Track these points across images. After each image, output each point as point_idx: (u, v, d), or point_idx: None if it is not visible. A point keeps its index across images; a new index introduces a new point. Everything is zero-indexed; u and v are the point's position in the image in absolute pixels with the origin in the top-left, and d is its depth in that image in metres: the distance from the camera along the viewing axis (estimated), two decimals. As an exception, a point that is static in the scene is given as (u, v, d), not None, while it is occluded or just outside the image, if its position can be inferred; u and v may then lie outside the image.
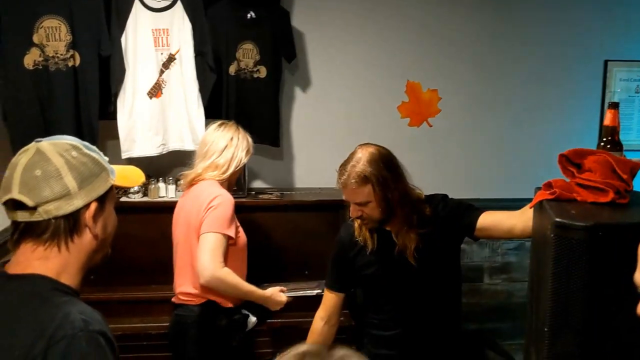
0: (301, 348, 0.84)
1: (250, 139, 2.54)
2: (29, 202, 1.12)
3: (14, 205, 1.14)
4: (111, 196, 1.25)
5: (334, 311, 2.21)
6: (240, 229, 2.45)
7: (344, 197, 2.06)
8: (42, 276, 1.15)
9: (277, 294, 2.46)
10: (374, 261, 2.09)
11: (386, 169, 1.99)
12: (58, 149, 1.16)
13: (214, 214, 2.28)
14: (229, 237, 2.30)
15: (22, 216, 1.14)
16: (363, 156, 1.99)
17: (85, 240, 1.19)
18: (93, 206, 1.18)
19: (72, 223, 1.16)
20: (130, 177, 1.34)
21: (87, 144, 1.23)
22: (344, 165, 2.01)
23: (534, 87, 3.51)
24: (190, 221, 2.36)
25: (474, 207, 2.09)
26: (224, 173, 2.43)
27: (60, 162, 1.14)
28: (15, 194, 1.12)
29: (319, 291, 2.48)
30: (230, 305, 2.40)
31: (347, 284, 2.23)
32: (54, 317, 1.07)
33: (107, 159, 1.25)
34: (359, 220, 2.08)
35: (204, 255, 2.22)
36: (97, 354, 1.06)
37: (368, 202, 1.99)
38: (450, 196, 2.14)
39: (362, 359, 0.83)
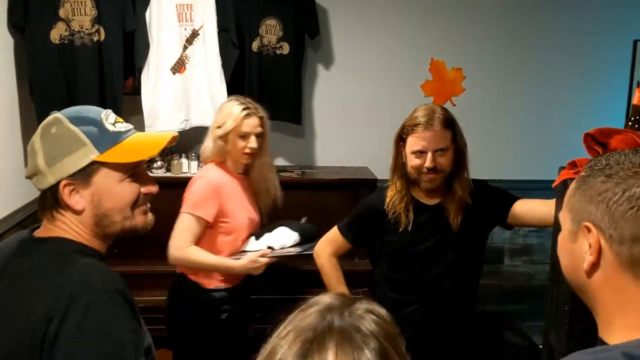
0: (324, 300, 0.82)
1: (236, 108, 2.31)
2: (25, 174, 1.22)
3: None
4: (103, 172, 1.18)
5: (341, 251, 2.27)
6: (236, 211, 2.36)
7: (417, 148, 1.99)
8: (66, 239, 1.19)
9: (253, 260, 2.30)
10: (401, 229, 2.08)
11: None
12: (44, 124, 1.21)
13: (187, 195, 2.30)
14: (200, 219, 2.26)
15: None
16: (435, 106, 2.04)
17: (75, 214, 1.19)
18: (62, 184, 1.17)
19: (54, 197, 1.19)
20: (136, 151, 1.22)
21: (83, 115, 1.20)
22: (416, 114, 2.01)
23: (560, 67, 3.44)
24: None
25: (510, 195, 2.08)
26: (208, 155, 2.37)
27: (37, 139, 1.19)
28: None
29: (306, 252, 2.43)
30: (201, 280, 2.34)
31: (361, 241, 2.29)
32: (75, 276, 1.10)
33: (117, 129, 1.20)
34: (392, 189, 2.08)
35: (172, 235, 2.26)
36: (116, 312, 1.09)
37: (446, 150, 1.99)
38: (473, 177, 2.12)
39: (383, 310, 0.83)
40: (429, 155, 1.97)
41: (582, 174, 0.92)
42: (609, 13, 3.40)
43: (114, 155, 1.19)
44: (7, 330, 1.10)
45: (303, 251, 2.42)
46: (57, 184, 1.17)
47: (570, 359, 0.83)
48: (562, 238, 0.95)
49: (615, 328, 0.85)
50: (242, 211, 2.39)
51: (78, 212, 1.19)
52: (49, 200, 1.19)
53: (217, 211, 2.30)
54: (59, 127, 1.18)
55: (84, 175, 1.18)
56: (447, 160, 1.99)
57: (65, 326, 1.04)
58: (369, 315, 0.79)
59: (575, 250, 0.90)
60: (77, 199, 1.18)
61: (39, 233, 1.22)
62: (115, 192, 1.20)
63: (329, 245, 2.27)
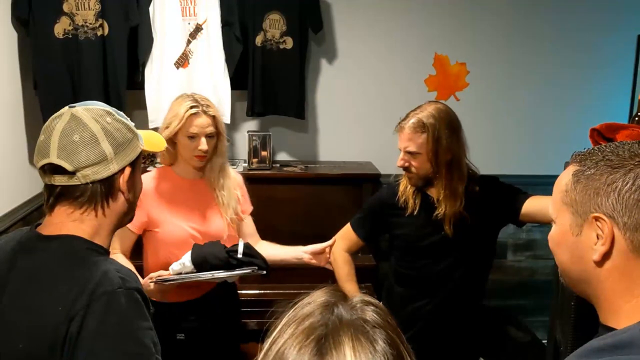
0: (320, 297, 0.78)
1: (183, 106, 2.04)
2: (68, 167, 1.14)
3: (51, 169, 1.16)
4: (140, 161, 1.29)
5: (354, 248, 2.27)
6: (170, 220, 2.06)
7: (398, 146, 2.06)
8: (76, 237, 1.18)
9: (145, 284, 1.92)
10: (410, 223, 2.09)
11: (447, 127, 1.99)
12: (93, 115, 1.18)
13: None
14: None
15: (59, 180, 1.16)
16: (430, 107, 2.02)
17: (119, 204, 1.23)
18: (127, 171, 1.21)
19: (107, 187, 1.19)
20: (154, 142, 1.37)
21: (116, 109, 1.26)
22: (409, 112, 2.05)
23: (564, 62, 3.43)
24: None
25: (522, 192, 2.07)
26: (160, 158, 2.17)
27: (97, 127, 1.17)
28: (54, 159, 1.14)
29: (207, 277, 1.97)
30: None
31: (372, 237, 2.29)
32: (93, 274, 1.11)
33: (133, 124, 1.27)
34: (404, 182, 2.09)
35: None
36: (134, 309, 1.11)
37: (418, 154, 1.99)
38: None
39: (378, 302, 0.81)
40: (401, 154, 2.04)
41: (578, 168, 0.93)
42: (613, 8, 3.39)
43: (147, 145, 1.29)
44: (23, 329, 1.10)
45: (184, 280, 1.95)
46: (117, 173, 1.20)
47: (588, 345, 0.85)
48: (560, 232, 0.96)
49: (623, 312, 0.88)
50: (180, 221, 2.08)
51: (127, 200, 1.24)
52: (100, 193, 1.18)
53: (144, 220, 2.03)
54: (112, 117, 1.21)
55: (133, 163, 1.24)
56: (418, 164, 2.01)
57: (87, 325, 1.05)
58: (368, 307, 0.78)
59: (580, 243, 0.92)
60: (127, 188, 1.23)
61: (44, 230, 1.20)
62: (140, 181, 1.31)
63: (342, 240, 2.26)
